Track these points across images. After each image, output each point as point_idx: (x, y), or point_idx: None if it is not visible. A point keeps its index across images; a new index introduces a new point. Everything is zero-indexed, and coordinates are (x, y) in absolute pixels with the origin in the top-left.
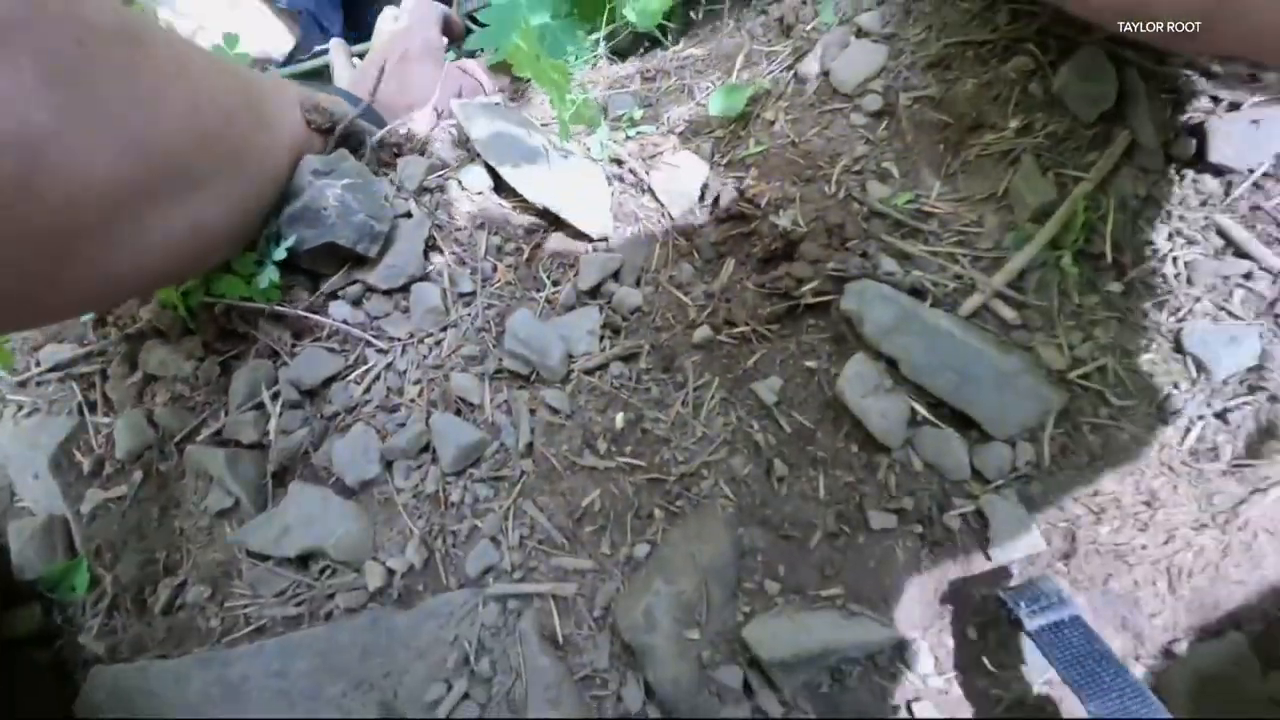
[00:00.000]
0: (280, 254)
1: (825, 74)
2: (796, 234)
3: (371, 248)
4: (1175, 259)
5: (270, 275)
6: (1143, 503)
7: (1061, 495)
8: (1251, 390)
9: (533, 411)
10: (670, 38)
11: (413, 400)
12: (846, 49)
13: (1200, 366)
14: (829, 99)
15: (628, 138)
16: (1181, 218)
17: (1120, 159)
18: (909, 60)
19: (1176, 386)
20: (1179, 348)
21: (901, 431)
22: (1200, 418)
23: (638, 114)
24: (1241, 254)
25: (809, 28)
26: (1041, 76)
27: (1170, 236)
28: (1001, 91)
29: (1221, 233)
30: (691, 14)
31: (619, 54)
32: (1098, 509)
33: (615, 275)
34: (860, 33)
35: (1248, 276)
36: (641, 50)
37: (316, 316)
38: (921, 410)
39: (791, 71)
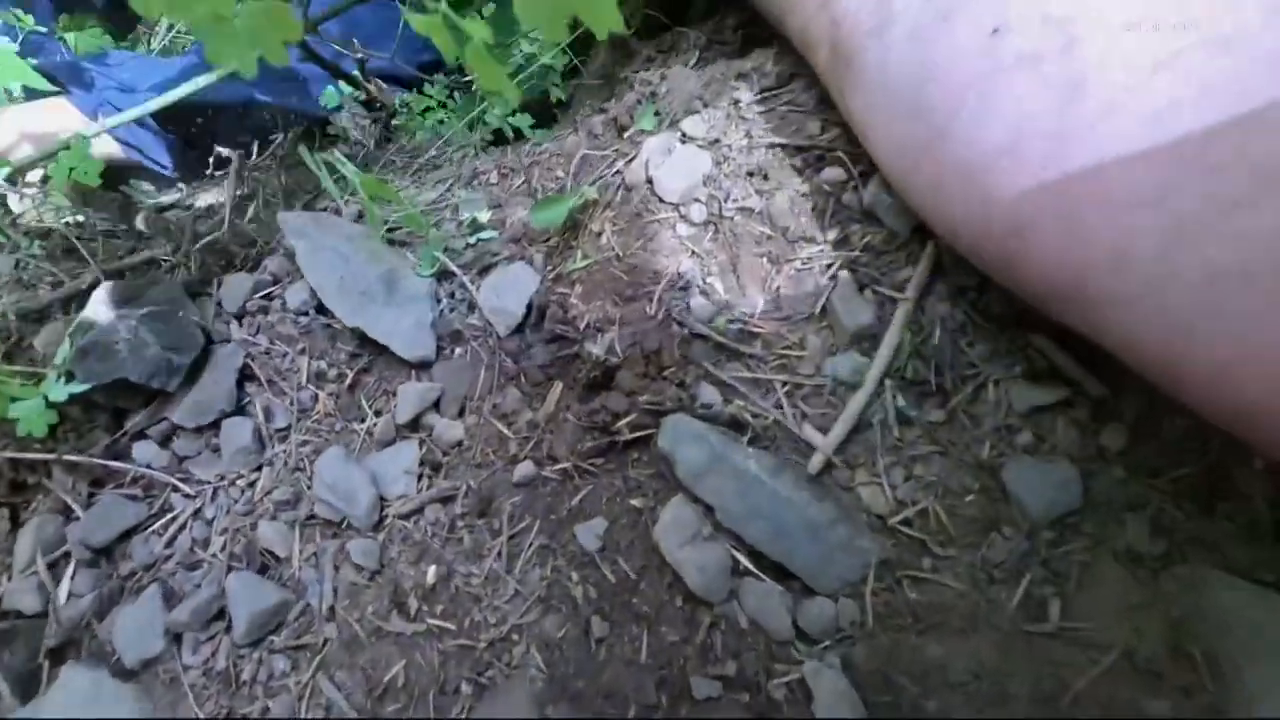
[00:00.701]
0: (60, 394)
1: (650, 182)
2: (613, 362)
3: (170, 382)
4: (996, 383)
5: (45, 418)
6: (971, 674)
7: (885, 663)
8: (1073, 536)
9: (338, 568)
10: (534, 130)
11: (214, 555)
12: (670, 155)
13: (1023, 510)
14: (655, 208)
15: (467, 245)
16: (998, 337)
17: (935, 274)
18: (731, 168)
19: (1000, 532)
20: (1002, 487)
21: (724, 584)
22: (1023, 570)
23: (484, 215)
24: (1063, 378)
25: (637, 130)
26: (854, 188)
27: (989, 358)
28: (818, 202)
29: (1042, 353)
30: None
31: (496, 142)
32: (923, 681)
33: (437, 405)
34: (685, 138)
35: (1067, 405)
36: (511, 140)
37: (116, 462)
38: (744, 560)
39: (620, 177)
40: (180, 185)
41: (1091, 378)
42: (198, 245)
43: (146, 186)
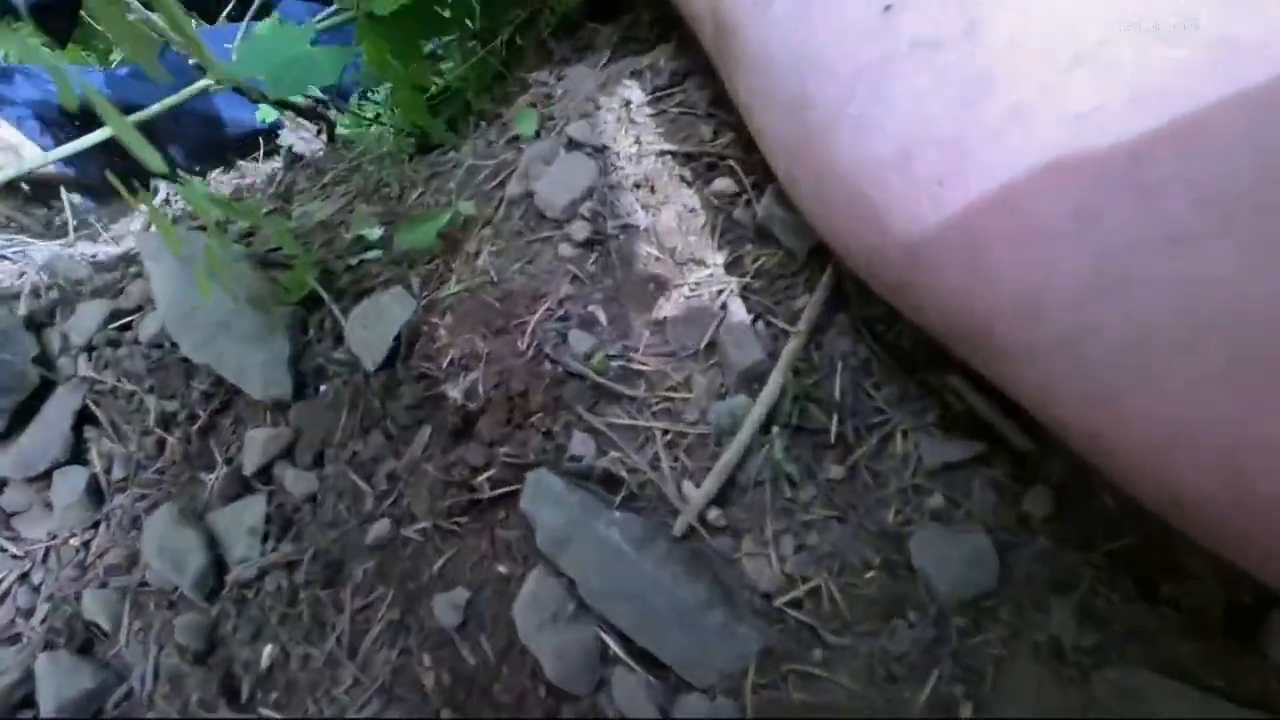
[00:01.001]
0: None
1: (530, 195)
2: (474, 408)
3: None
4: (905, 433)
5: None
6: None
7: None
8: (989, 623)
9: (162, 646)
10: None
11: (34, 628)
12: (553, 164)
13: (931, 590)
14: (536, 225)
15: (348, 266)
16: (907, 377)
17: (835, 303)
18: (618, 178)
19: (905, 617)
20: (908, 561)
21: (590, 674)
22: (931, 665)
23: (375, 232)
24: (981, 427)
25: (517, 136)
26: (747, 202)
27: (897, 402)
28: (709, 218)
29: (959, 396)
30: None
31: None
32: None
33: (290, 453)
34: (571, 144)
35: (985, 461)
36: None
37: None
38: (613, 646)
39: (502, 190)
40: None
41: (1014, 426)
42: (67, 275)
43: (78, 200)
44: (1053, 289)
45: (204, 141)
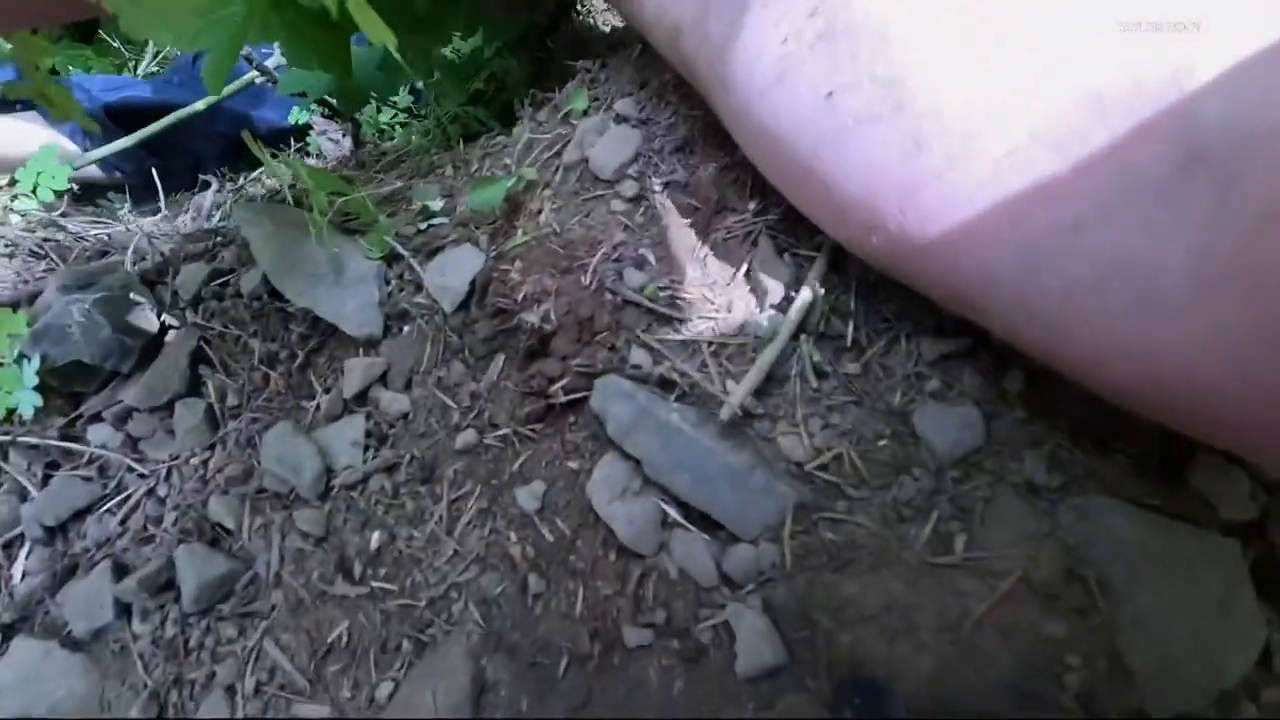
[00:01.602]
0: (32, 378)
1: (585, 161)
2: (549, 330)
3: (124, 363)
4: (908, 336)
5: (30, 400)
6: (882, 607)
7: (803, 601)
8: (977, 473)
9: (284, 536)
10: (491, 122)
11: (166, 531)
12: (604, 135)
13: (931, 451)
14: (591, 186)
15: (418, 230)
16: (909, 295)
17: None
18: (659, 145)
19: (910, 473)
20: (912, 431)
21: (654, 537)
22: (931, 508)
23: (437, 203)
24: (968, 329)
25: (572, 112)
26: None
27: (901, 315)
28: (740, 175)
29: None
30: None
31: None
32: (838, 616)
33: (384, 379)
34: (618, 118)
35: (971, 353)
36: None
37: (71, 444)
38: (672, 513)
39: (559, 159)
40: (159, 203)
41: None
42: (160, 247)
43: (123, 202)
44: (1003, 270)
45: (236, 140)
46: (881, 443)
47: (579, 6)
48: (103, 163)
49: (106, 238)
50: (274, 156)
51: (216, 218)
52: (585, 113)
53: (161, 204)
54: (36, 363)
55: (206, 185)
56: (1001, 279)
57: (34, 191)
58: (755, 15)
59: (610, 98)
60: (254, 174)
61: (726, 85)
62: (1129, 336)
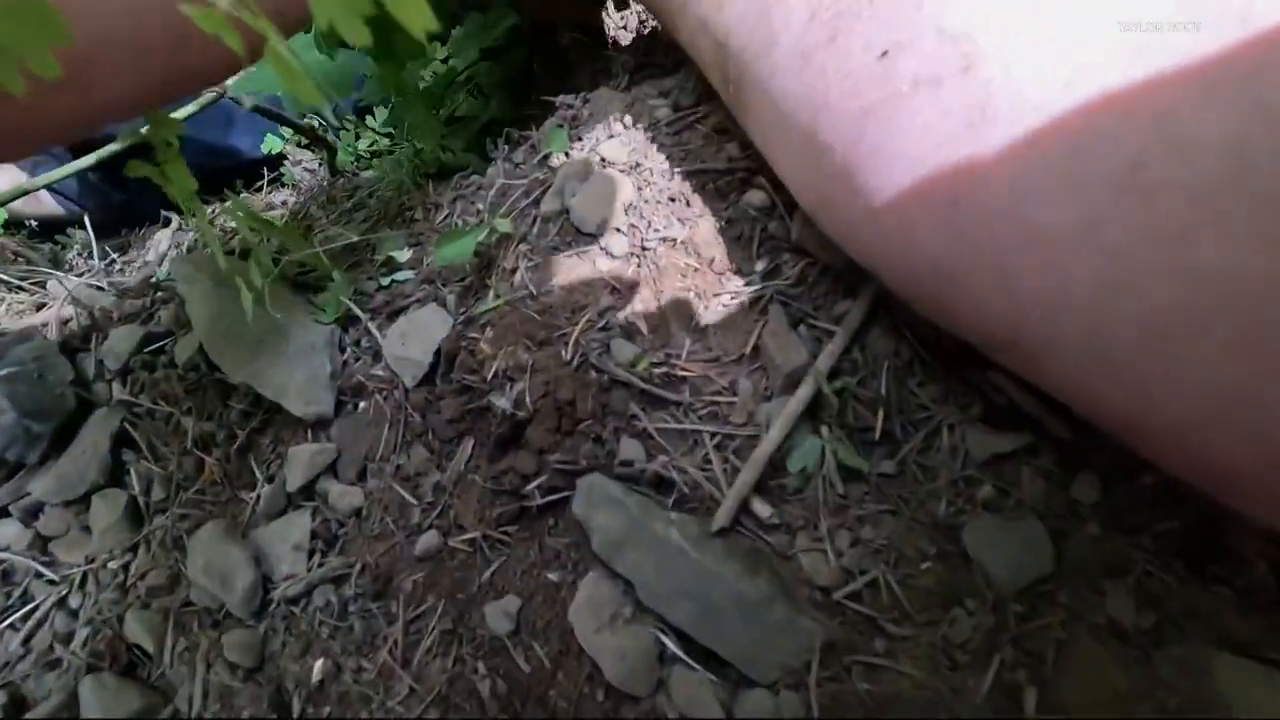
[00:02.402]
0: None
1: (566, 212)
2: (522, 417)
3: (29, 453)
4: (951, 427)
5: None
6: None
7: None
8: (1047, 608)
9: (210, 665)
10: (465, 154)
11: (75, 653)
12: (587, 182)
13: (988, 578)
14: (573, 241)
15: (380, 287)
16: (949, 375)
17: (877, 306)
18: (651, 195)
19: (963, 605)
20: (963, 551)
21: (649, 675)
22: (992, 651)
23: (403, 254)
24: (1025, 419)
25: (551, 153)
26: (780, 216)
27: (942, 399)
28: (744, 230)
29: (1000, 390)
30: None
31: (439, 175)
32: None
33: (333, 467)
34: (604, 162)
35: (1032, 452)
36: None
37: None
38: (671, 646)
39: (536, 208)
40: (121, 236)
41: (1056, 418)
42: (94, 304)
43: (82, 238)
44: (1073, 290)
45: (205, 171)
46: (925, 565)
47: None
48: (61, 196)
49: (44, 288)
50: (247, 189)
51: (168, 262)
52: (566, 155)
53: (94, 251)
54: None
55: (167, 222)
56: (1069, 304)
57: None
58: (814, 54)
59: (595, 139)
60: (220, 209)
61: (773, 48)
62: (1231, 388)
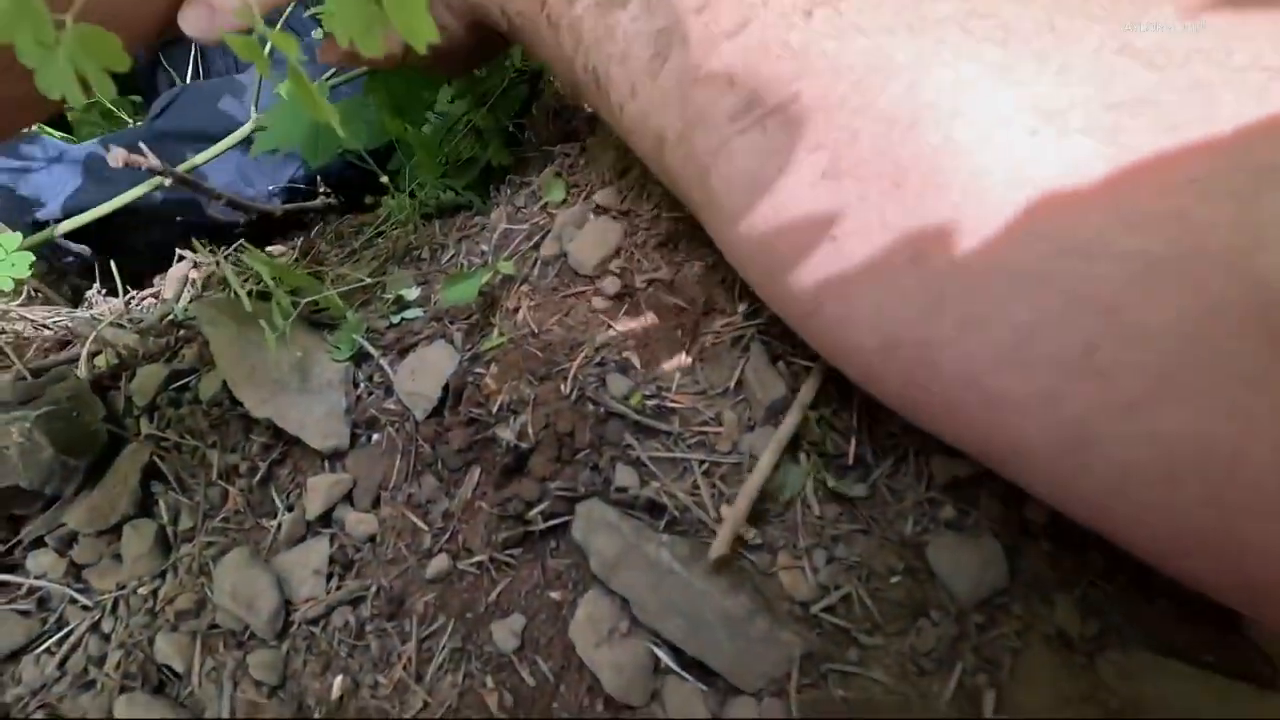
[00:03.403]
0: None
1: (564, 255)
2: (526, 447)
3: (65, 487)
4: (916, 453)
5: None
6: None
7: None
8: (1003, 619)
9: (237, 683)
10: (465, 192)
11: (108, 674)
12: (583, 228)
13: (950, 592)
14: (571, 282)
15: (390, 325)
16: None
17: None
18: (642, 239)
19: (929, 616)
20: (928, 567)
21: (645, 685)
22: (954, 658)
23: (412, 293)
24: None
25: (550, 202)
26: None
27: (908, 428)
28: (728, 275)
29: None
30: (498, 175)
31: (440, 214)
32: None
33: (349, 497)
34: (598, 210)
35: (989, 475)
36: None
37: (8, 575)
38: (665, 658)
39: (537, 251)
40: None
41: None
42: (124, 339)
43: (95, 285)
44: (1039, 447)
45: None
46: (895, 580)
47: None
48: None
49: (69, 326)
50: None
51: (187, 299)
52: (564, 201)
53: (119, 287)
54: None
55: (181, 259)
56: (1038, 457)
57: None
58: (750, 140)
59: (590, 186)
60: (231, 249)
61: (715, 205)
62: (1208, 531)
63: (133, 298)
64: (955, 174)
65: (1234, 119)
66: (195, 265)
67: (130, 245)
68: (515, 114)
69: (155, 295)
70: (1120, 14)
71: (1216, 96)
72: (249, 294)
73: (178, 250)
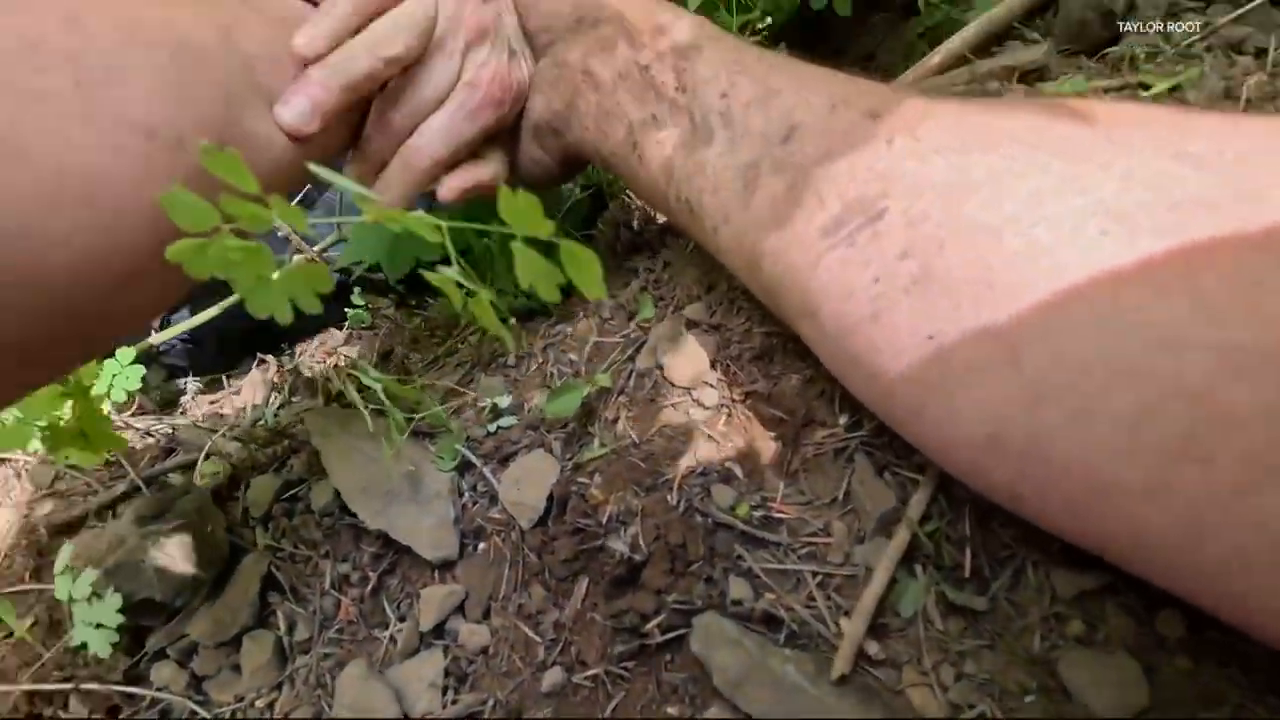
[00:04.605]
0: (114, 618)
1: (659, 367)
2: (638, 559)
3: (195, 599)
4: (1035, 565)
5: (107, 639)
6: None
7: None
8: None
9: None
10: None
11: None
12: (676, 341)
13: (1088, 711)
14: (667, 393)
15: (487, 433)
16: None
17: None
18: (736, 352)
19: None
20: (1062, 685)
21: None
22: None
23: (504, 401)
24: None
25: (643, 318)
26: None
27: (1023, 538)
28: (826, 388)
29: None
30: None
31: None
32: None
33: (460, 608)
34: (689, 324)
35: (1114, 589)
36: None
37: (133, 688)
38: None
39: (631, 364)
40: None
41: None
42: (228, 447)
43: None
44: (1147, 540)
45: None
46: (1029, 698)
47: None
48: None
49: (170, 431)
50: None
51: (275, 405)
52: (652, 316)
53: (225, 392)
54: (116, 600)
55: (263, 363)
56: (1154, 544)
57: (108, 393)
58: (842, 253)
59: (677, 300)
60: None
61: (813, 316)
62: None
63: (214, 401)
64: (1041, 276)
65: None
66: (278, 368)
67: (196, 335)
68: (582, 225)
69: (235, 393)
70: (1165, 133)
71: (1265, 195)
72: (335, 394)
73: (259, 355)
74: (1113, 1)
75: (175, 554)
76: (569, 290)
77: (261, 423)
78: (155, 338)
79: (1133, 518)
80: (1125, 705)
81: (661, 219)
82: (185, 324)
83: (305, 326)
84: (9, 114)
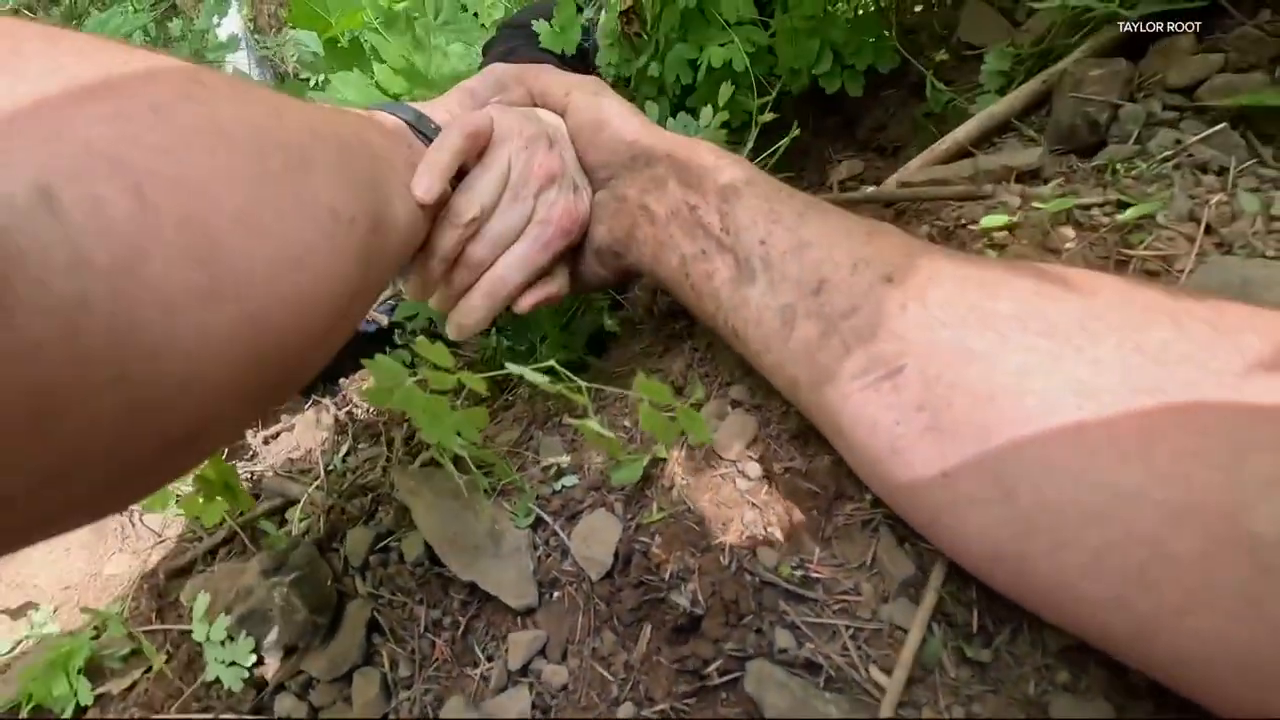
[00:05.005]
0: (248, 657)
1: (709, 441)
2: (698, 612)
3: (314, 641)
4: (1031, 623)
5: (239, 676)
6: None
7: None
8: None
9: None
10: (586, 356)
11: None
12: (723, 419)
13: None
14: (716, 464)
15: (554, 492)
16: None
17: None
18: (775, 431)
19: None
20: None
21: None
22: None
23: (564, 460)
24: None
25: (696, 399)
26: None
27: (1019, 605)
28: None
29: None
30: (608, 338)
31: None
32: None
33: (543, 650)
34: (734, 404)
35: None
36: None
37: (260, 718)
38: None
39: (683, 435)
40: (277, 415)
41: None
42: (314, 496)
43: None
44: (1116, 639)
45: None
46: None
47: None
48: None
49: (250, 476)
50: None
51: (343, 452)
52: (705, 399)
53: (295, 435)
54: (250, 643)
55: (317, 404)
56: (1120, 642)
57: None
58: (869, 395)
59: (721, 379)
60: (358, 381)
61: (845, 440)
62: (1247, 703)
63: (278, 439)
64: (1031, 436)
65: (1216, 410)
66: (328, 408)
67: None
68: (619, 286)
69: (290, 429)
70: (1131, 319)
71: (1201, 389)
72: (396, 440)
73: (312, 395)
74: (1098, 112)
75: (296, 602)
76: (605, 346)
77: (332, 469)
78: None
79: (1101, 624)
80: None
81: None
82: None
83: (347, 365)
84: (250, 193)
